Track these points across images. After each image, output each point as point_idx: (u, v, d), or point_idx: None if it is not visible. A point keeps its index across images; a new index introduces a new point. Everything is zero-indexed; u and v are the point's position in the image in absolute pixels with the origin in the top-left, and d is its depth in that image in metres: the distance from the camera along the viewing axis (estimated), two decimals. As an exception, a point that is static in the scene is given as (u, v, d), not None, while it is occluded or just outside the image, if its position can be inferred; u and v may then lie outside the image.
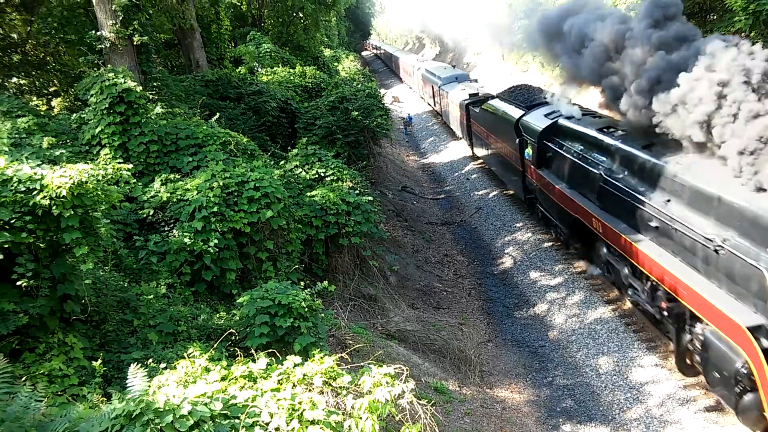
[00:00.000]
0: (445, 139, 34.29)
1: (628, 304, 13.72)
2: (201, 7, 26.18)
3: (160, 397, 5.29)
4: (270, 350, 7.57)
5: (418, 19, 76.08)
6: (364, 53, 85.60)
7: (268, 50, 30.94)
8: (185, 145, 13.05)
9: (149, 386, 5.69)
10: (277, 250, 11.29)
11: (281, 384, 6.67)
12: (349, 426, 5.95)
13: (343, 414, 6.50)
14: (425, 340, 11.89)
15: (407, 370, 7.96)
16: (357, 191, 14.38)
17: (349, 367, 7.92)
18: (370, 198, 14.27)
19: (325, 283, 10.32)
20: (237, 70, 25.40)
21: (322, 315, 9.13)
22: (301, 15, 36.55)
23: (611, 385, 11.56)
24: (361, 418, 5.99)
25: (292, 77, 26.30)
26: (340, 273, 12.91)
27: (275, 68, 28.20)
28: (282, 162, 15.56)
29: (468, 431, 9.17)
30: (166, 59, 26.70)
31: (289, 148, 17.34)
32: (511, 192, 22.23)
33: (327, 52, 42.07)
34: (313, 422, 5.91)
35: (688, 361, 10.97)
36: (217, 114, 15.80)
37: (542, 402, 11.42)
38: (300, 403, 6.15)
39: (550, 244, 17.91)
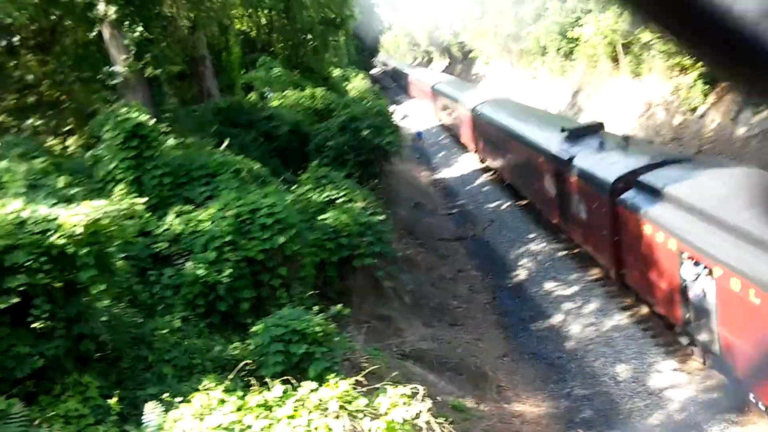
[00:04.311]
0: (456, 152, 34.43)
1: (644, 310, 13.69)
2: (211, 36, 26.62)
3: (175, 432, 5.44)
4: (285, 377, 7.69)
5: (425, 33, 76.60)
6: (373, 71, 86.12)
7: (278, 74, 31.31)
8: (198, 175, 13.25)
9: (164, 421, 5.87)
10: (291, 276, 11.42)
11: (297, 411, 6.79)
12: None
13: (361, 437, 6.61)
14: (441, 358, 11.94)
15: (424, 389, 8.05)
16: (369, 211, 14.47)
17: (365, 389, 8.01)
18: (382, 217, 14.37)
19: (339, 306, 10.43)
20: (248, 97, 25.75)
21: (337, 339, 9.20)
22: (310, 37, 36.91)
23: (630, 393, 11.53)
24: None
25: (302, 100, 26.57)
26: (354, 295, 13.02)
27: (285, 92, 28.54)
28: (294, 186, 15.74)
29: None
30: (178, 90, 27.17)
31: (300, 171, 17.55)
32: (524, 202, 22.33)
33: (336, 72, 42.44)
34: (328, 448, 6.04)
35: None
36: (227, 140, 15.99)
37: (561, 414, 11.42)
38: (316, 429, 6.28)
39: (564, 253, 17.91)
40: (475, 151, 30.76)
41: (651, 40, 27.16)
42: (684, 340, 12.03)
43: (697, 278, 10.59)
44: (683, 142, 24.27)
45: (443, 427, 7.99)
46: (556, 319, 14.98)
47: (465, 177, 29.66)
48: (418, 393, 7.83)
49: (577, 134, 17.48)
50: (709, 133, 23.62)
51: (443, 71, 66.56)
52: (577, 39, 33.33)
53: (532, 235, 20.00)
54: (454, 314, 15.19)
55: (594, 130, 17.75)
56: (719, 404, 10.54)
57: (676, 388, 11.25)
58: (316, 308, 9.50)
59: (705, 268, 10.30)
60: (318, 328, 8.65)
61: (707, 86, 24.54)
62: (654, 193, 12.28)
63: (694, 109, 25.13)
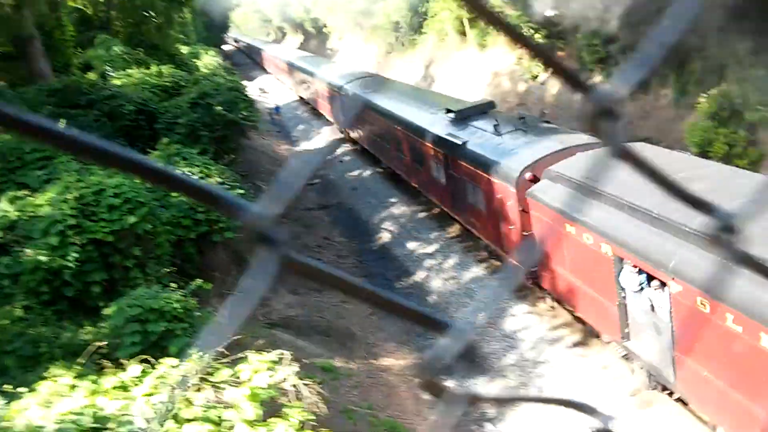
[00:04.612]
0: (316, 125, 34.37)
1: (498, 262, 14.58)
2: (40, 14, 24.43)
3: (19, 422, 5.08)
4: (144, 357, 7.42)
5: (276, 9, 75.13)
6: (225, 47, 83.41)
7: (119, 53, 29.48)
8: (32, 158, 12.36)
9: (5, 413, 5.44)
10: (146, 256, 10.97)
11: (156, 388, 6.58)
12: (229, 418, 5.99)
13: (225, 407, 6.53)
14: (310, 323, 12.05)
15: (290, 354, 8.08)
16: (227, 186, 14.19)
17: (230, 359, 7.92)
18: (242, 191, 14.14)
19: (199, 281, 10.22)
20: (86, 76, 24.06)
21: (198, 314, 9.03)
22: (152, 14, 34.99)
23: (488, 337, 12.29)
24: (241, 407, 6.05)
25: (148, 78, 25.29)
26: (216, 270, 12.74)
27: (129, 70, 26.96)
28: (144, 165, 15.01)
29: (357, 403, 9.45)
30: (5, 72, 24.78)
31: (150, 150, 16.75)
32: (382, 169, 22.81)
33: (185, 49, 40.65)
34: (189, 420, 5.91)
35: None
36: (63, 121, 14.91)
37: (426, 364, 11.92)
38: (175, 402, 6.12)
39: (425, 214, 18.58)
40: (336, 123, 30.93)
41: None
42: (619, 351, 10.40)
43: (641, 289, 9.23)
44: (528, 107, 25.86)
45: (311, 388, 8.10)
46: (420, 276, 15.57)
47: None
48: (283, 358, 7.87)
49: (466, 115, 16.09)
50: (551, 99, 25.37)
51: (298, 47, 65.85)
52: (426, 14, 34.23)
53: (393, 200, 20.53)
54: (321, 281, 15.27)
55: (483, 109, 16.36)
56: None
57: (528, 329, 12.14)
58: (174, 285, 9.27)
59: (655, 280, 8.76)
60: (177, 305, 8.45)
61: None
62: (575, 187, 9.99)
63: (535, 77, 26.82)
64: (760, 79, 15.73)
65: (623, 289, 9.52)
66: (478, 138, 14.57)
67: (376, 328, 13.32)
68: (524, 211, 12.07)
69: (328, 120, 33.53)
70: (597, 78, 23.52)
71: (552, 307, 12.42)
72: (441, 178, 16.49)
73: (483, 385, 10.91)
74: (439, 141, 16.19)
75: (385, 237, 18.23)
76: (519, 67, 27.78)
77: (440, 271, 15.35)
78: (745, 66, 17.06)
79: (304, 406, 7.15)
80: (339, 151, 28.15)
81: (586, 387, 10.18)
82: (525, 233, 12.17)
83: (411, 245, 17.06)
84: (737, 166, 16.30)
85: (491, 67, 29.18)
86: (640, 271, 9.14)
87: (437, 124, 16.68)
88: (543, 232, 11.41)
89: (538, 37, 26.02)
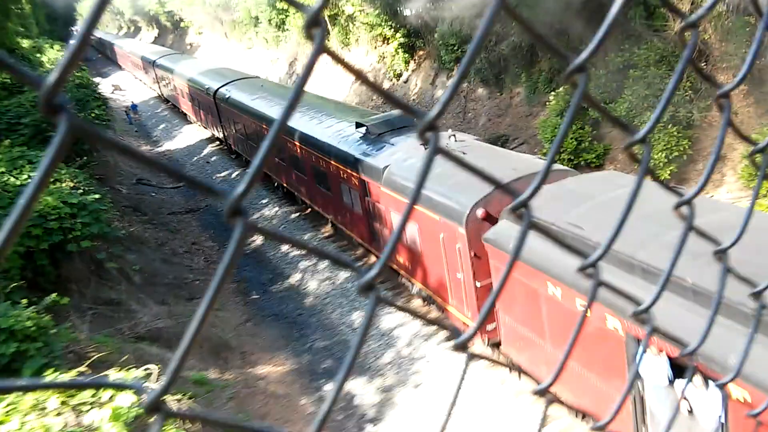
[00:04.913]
0: (178, 124, 32.90)
1: (373, 258, 14.70)
2: None
3: None
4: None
5: (129, 1, 71.10)
6: (71, 42, 77.74)
7: (-54, 44, 26.46)
8: None
9: None
10: (-11, 271, 9.91)
11: (8, 416, 6.01)
12: (92, 441, 5.55)
13: (86, 431, 6.06)
14: (179, 334, 11.37)
15: (158, 368, 7.64)
16: (81, 190, 13.18)
17: (92, 378, 7.34)
18: (98, 196, 13.18)
19: (54, 296, 9.40)
20: None
21: (54, 331, 8.31)
22: (-16, 4, 31.72)
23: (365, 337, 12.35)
24: (103, 429, 5.63)
25: (-18, 73, 22.94)
26: (73, 282, 11.77)
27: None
28: (-18, 171, 13.58)
29: (233, 414, 9.12)
30: None
31: (-12, 153, 15.16)
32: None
33: (26, 43, 37.32)
34: (49, 448, 5.43)
35: None
36: None
37: (304, 368, 11.80)
38: (31, 430, 5.60)
39: (297, 214, 18.35)
40: (198, 121, 29.79)
41: (354, 13, 28.86)
42: None
43: (672, 383, 7.13)
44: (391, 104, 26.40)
45: (181, 403, 7.72)
46: (295, 278, 15.35)
47: (191, 148, 28.57)
48: (151, 374, 7.44)
49: (382, 131, 13.80)
50: (414, 96, 26.07)
51: (154, 42, 62.70)
52: (287, 10, 33.85)
53: (264, 201, 20.12)
54: (191, 288, 14.65)
55: (402, 123, 13.93)
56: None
57: (403, 326, 12.34)
58: (25, 301, 8.48)
59: (698, 376, 6.52)
60: (29, 323, 7.78)
61: (407, 55, 26.97)
62: (560, 234, 7.89)
63: (399, 75, 27.43)
64: (601, 78, 17.13)
65: (640, 377, 7.31)
66: (402, 161, 12.23)
67: (252, 335, 12.95)
68: (477, 257, 10.01)
69: (189, 119, 32.20)
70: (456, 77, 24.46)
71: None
72: (356, 207, 14.24)
73: (362, 385, 10.96)
74: (353, 162, 13.68)
75: (257, 240, 17.80)
76: (382, 65, 28.29)
77: (315, 272, 15.22)
78: (588, 66, 18.50)
79: (175, 423, 6.81)
80: (206, 150, 27.13)
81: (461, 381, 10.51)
82: (478, 284, 10.16)
83: (285, 247, 16.79)
84: (585, 161, 17.75)
85: (355, 65, 29.45)
86: (670, 360, 7.11)
87: (347, 141, 14.36)
88: (511, 289, 9.11)
89: (399, 37, 26.64)
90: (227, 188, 0.67)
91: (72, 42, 0.57)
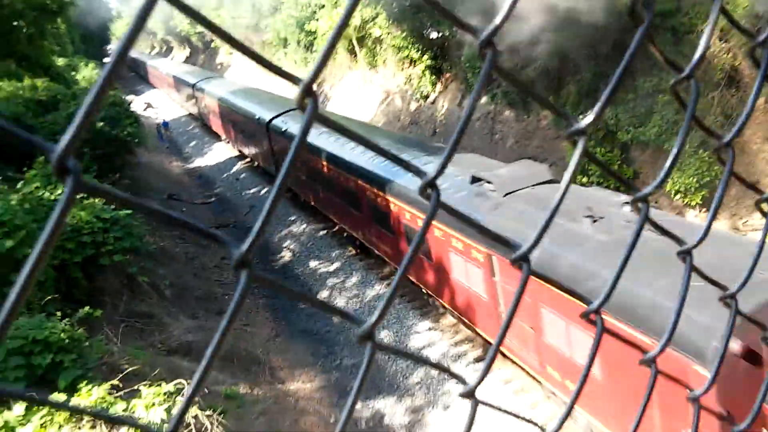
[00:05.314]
0: (209, 141, 33.37)
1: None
2: None
3: None
4: (30, 394, 6.77)
5: (160, 22, 72.69)
6: (106, 60, 79.69)
7: (-14, 63, 27.30)
8: None
9: None
10: (26, 283, 10.06)
11: (44, 427, 6.07)
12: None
13: (120, 444, 6.08)
14: (210, 348, 11.46)
15: (189, 383, 7.61)
16: (113, 206, 13.38)
17: (124, 393, 7.40)
18: (129, 211, 13.36)
19: (87, 308, 9.51)
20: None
21: (88, 343, 8.39)
22: (22, 23, 32.69)
23: (393, 356, 12.27)
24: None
25: (20, 91, 23.53)
26: (106, 295, 11.91)
27: (-1, 83, 24.97)
28: (20, 185, 13.88)
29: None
30: None
31: (25, 168, 15.51)
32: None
33: (61, 62, 38.31)
34: (84, 459, 5.45)
35: None
36: None
37: (333, 385, 11.73)
38: (65, 441, 5.64)
39: (325, 232, 18.40)
40: (228, 141, 30.08)
41: (381, 35, 29.14)
42: None
43: None
44: (420, 125, 26.46)
45: (212, 418, 7.71)
46: (323, 294, 15.34)
47: (221, 165, 28.91)
48: (183, 389, 7.45)
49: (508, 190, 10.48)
50: (441, 117, 26.11)
51: (185, 61, 63.92)
52: (314, 32, 34.27)
53: (293, 218, 20.22)
54: (221, 302, 14.71)
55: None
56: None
57: (432, 345, 12.24)
58: (59, 314, 8.60)
59: None
60: (63, 335, 7.88)
61: (434, 76, 27.09)
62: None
63: (426, 97, 27.53)
64: (630, 102, 17.01)
65: None
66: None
67: (281, 350, 12.93)
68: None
69: (219, 136, 32.62)
70: (483, 99, 24.47)
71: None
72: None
73: (391, 405, 10.85)
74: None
75: (286, 256, 17.87)
76: (409, 87, 28.42)
77: (343, 289, 15.20)
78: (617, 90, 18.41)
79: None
80: (236, 168, 27.43)
81: (491, 398, 10.38)
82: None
83: (313, 264, 16.82)
84: (615, 183, 17.55)
85: (382, 87, 29.62)
86: None
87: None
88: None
89: (426, 59, 26.77)
90: (233, 241, 0.70)
91: (84, 105, 0.60)
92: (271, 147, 21.93)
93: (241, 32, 48.80)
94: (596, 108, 0.91)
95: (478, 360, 11.45)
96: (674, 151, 1.10)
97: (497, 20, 0.76)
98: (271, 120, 21.63)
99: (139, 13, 0.60)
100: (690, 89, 1.08)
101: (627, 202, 8.53)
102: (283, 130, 20.27)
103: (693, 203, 15.19)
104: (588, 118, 0.90)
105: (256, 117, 23.16)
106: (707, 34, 1.09)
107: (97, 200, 13.58)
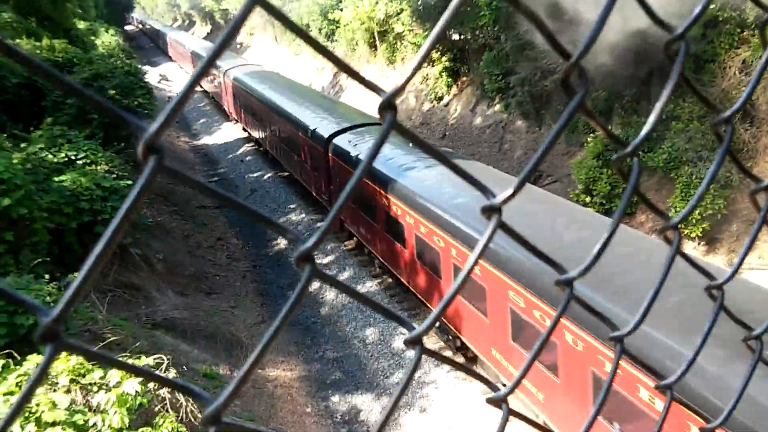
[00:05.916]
0: (218, 120, 33.38)
1: (391, 279, 14.67)
2: None
3: None
4: (8, 351, 6.88)
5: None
6: (128, 27, 79.65)
7: (7, 19, 27.31)
8: None
9: None
10: (19, 242, 10.11)
11: (18, 387, 6.10)
12: (95, 423, 5.59)
13: (93, 411, 6.11)
14: (195, 326, 11.52)
15: (169, 358, 7.69)
16: (114, 175, 13.44)
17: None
18: (130, 182, 13.40)
19: (76, 274, 9.55)
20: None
21: (72, 309, 8.41)
22: (46, -19, 32.69)
23: (377, 354, 12.29)
24: (108, 413, 5.67)
25: (38, 51, 23.56)
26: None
27: (17, 40, 24.99)
28: (24, 144, 13.92)
29: (238, 413, 9.11)
30: None
31: (32, 128, 15.56)
32: (286, 174, 22.36)
33: (82, 25, 38.32)
34: (53, 423, 5.47)
35: None
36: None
37: (313, 376, 11.77)
38: (38, 404, 5.66)
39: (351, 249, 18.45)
40: (236, 121, 30.02)
41: (403, 32, 29.10)
42: None
43: None
44: (431, 127, 26.43)
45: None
46: (313, 286, 15.35)
47: (227, 145, 28.91)
48: (162, 363, 7.49)
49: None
50: (453, 120, 26.08)
51: (205, 37, 63.88)
52: (338, 21, 34.23)
53: (292, 206, 20.23)
54: (212, 282, 14.76)
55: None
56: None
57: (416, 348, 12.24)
58: (47, 276, 8.64)
59: None
60: (49, 298, 7.91)
61: (450, 79, 27.05)
62: None
63: (440, 98, 27.50)
64: (641, 125, 16.94)
65: None
66: None
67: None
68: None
69: (228, 116, 32.63)
70: (496, 107, 24.42)
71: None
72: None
73: (369, 402, 10.88)
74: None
75: (282, 243, 17.88)
76: (425, 87, 28.39)
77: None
78: (629, 112, 18.34)
79: (175, 417, 6.86)
80: (242, 149, 27.44)
81: (468, 406, 10.41)
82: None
83: (306, 254, 16.83)
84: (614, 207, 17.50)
85: (398, 84, 29.59)
86: None
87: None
88: None
89: (445, 60, 26.73)
90: (300, 234, 0.73)
91: (176, 95, 0.61)
92: (329, 172, 16.96)
93: (263, 14, 48.76)
94: (636, 141, 0.93)
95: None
96: (704, 182, 1.12)
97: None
98: (331, 138, 16.82)
99: (234, 22, 0.63)
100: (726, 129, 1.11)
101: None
102: (353, 155, 15.28)
103: (693, 235, 15.15)
104: (636, 141, 0.90)
105: (311, 129, 18.10)
106: (751, 85, 1.13)
107: (99, 167, 13.62)
